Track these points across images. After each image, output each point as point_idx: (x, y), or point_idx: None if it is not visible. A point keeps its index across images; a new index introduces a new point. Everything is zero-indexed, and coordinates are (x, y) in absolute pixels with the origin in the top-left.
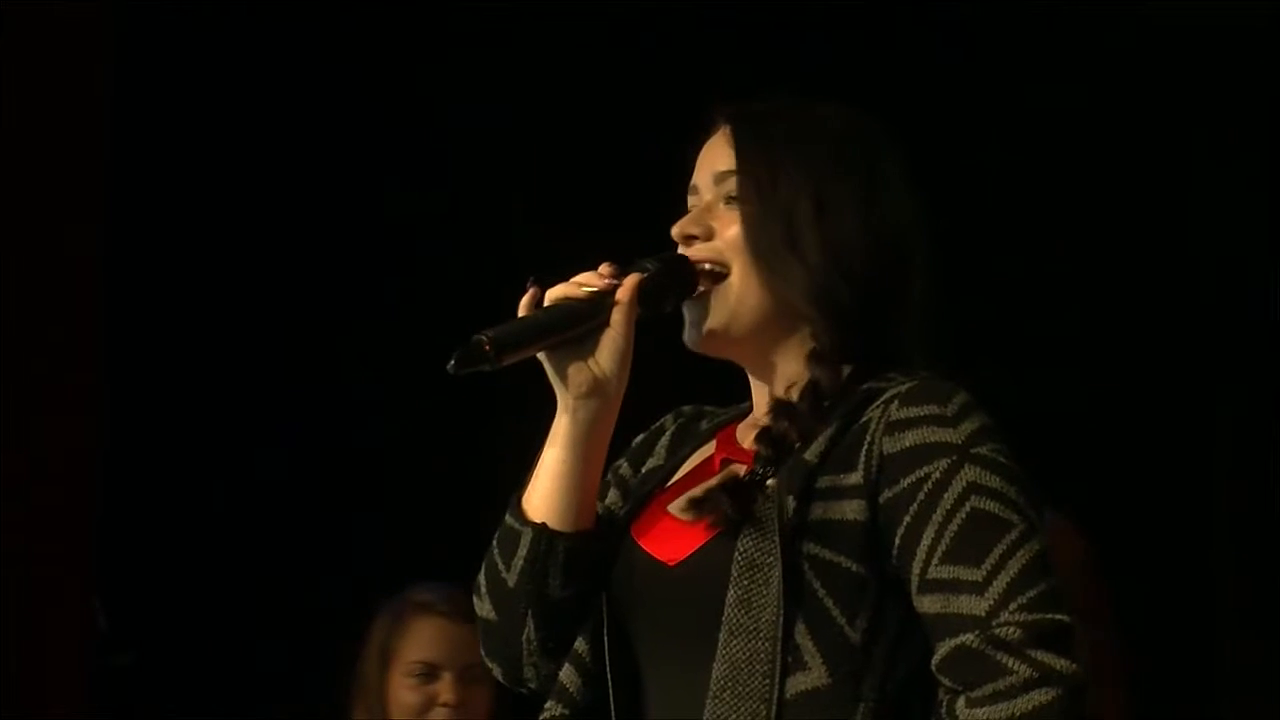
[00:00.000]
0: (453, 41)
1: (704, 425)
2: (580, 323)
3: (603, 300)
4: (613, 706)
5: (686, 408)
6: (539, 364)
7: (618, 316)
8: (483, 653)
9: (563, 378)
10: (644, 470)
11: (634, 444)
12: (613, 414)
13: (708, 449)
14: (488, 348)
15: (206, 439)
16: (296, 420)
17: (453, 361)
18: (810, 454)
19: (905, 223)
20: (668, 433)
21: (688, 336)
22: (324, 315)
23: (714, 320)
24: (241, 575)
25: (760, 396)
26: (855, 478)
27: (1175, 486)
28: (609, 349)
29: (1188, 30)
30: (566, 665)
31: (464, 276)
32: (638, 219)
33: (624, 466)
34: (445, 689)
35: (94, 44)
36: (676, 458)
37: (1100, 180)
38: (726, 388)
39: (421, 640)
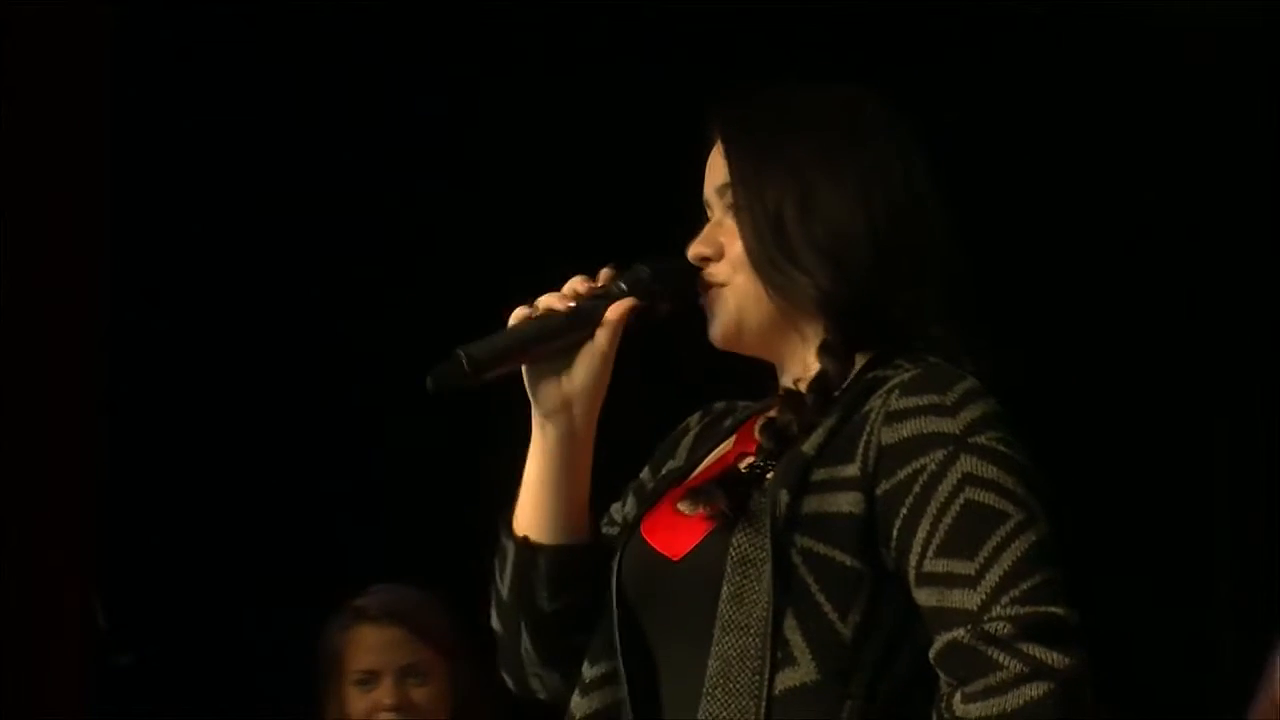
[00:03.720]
0: (458, 39)
1: (728, 423)
2: (562, 336)
3: (590, 313)
4: (627, 700)
5: (718, 404)
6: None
7: (602, 335)
8: (498, 664)
9: (535, 393)
10: (664, 472)
11: (656, 451)
12: (588, 428)
13: (729, 444)
14: (465, 365)
15: (207, 438)
16: (298, 420)
17: (430, 379)
18: (808, 446)
19: (910, 201)
20: (691, 433)
21: (709, 332)
22: (325, 314)
23: (722, 323)
24: (242, 575)
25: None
26: (852, 470)
27: (1175, 490)
28: (586, 365)
29: (1189, 29)
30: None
31: (467, 273)
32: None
33: (644, 474)
34: (384, 693)
35: (94, 44)
36: (696, 456)
37: (1099, 182)
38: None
39: (359, 647)
